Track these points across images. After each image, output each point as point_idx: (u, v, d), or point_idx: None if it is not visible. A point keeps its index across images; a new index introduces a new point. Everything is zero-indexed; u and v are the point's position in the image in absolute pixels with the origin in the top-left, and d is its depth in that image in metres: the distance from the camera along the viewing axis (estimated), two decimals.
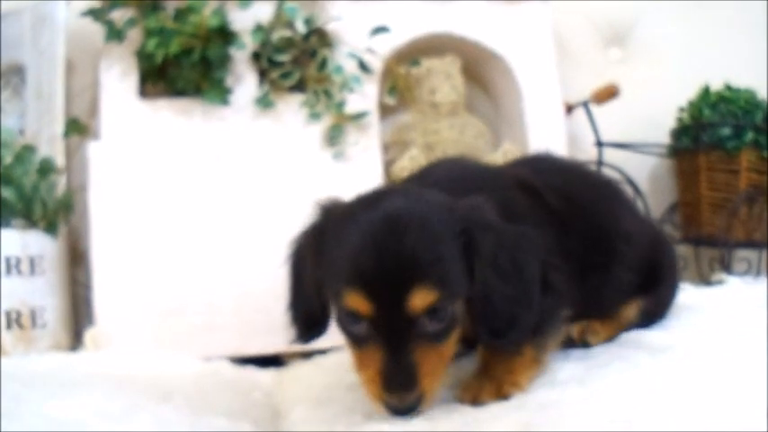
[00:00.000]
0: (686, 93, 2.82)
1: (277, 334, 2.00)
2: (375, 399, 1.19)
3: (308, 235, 1.35)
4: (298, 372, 1.91)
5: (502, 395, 1.31)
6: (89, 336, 2.05)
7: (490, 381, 1.35)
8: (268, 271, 2.01)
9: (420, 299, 1.17)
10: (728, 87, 2.74)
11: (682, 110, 2.83)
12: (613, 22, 3.10)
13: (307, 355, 2.05)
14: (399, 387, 1.17)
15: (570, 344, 1.66)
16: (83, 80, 2.57)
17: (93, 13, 2.25)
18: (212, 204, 2.12)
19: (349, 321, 1.22)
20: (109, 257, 2.06)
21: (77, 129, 2.29)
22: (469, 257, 1.25)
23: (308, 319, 1.38)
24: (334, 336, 2.01)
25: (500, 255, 1.28)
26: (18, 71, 2.57)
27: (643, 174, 2.99)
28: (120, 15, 2.25)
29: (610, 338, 1.66)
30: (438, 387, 1.23)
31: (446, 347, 1.26)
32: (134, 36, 2.26)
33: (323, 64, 2.23)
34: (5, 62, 2.57)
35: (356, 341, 1.23)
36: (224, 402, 1.57)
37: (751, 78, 2.80)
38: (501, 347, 1.35)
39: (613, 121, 2.90)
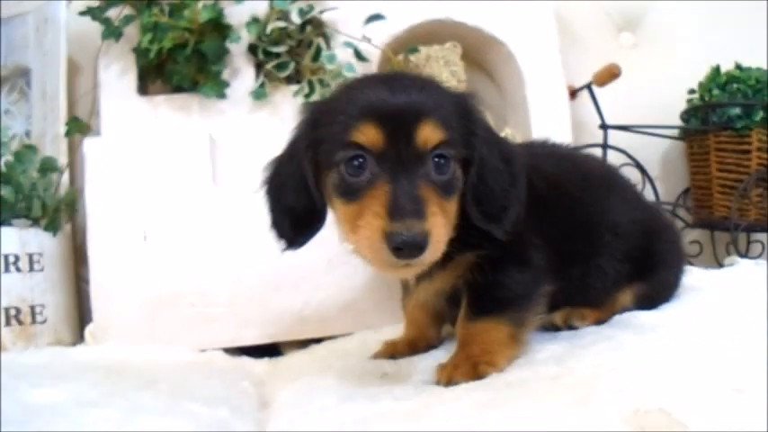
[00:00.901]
0: (698, 76, 2.76)
1: (272, 324, 2.04)
2: (377, 241, 1.16)
3: (298, 127, 1.39)
4: (290, 361, 1.92)
5: (477, 375, 1.31)
6: (88, 331, 2.06)
7: (466, 360, 1.35)
8: (262, 262, 2.04)
9: (428, 131, 1.23)
10: (739, 67, 2.66)
11: (692, 91, 2.76)
12: (625, 6, 3.04)
13: (303, 344, 2.06)
14: (407, 213, 1.16)
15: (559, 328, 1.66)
16: (89, 82, 2.59)
17: (91, 12, 2.27)
18: (208, 197, 2.12)
19: (352, 169, 1.23)
20: (105, 252, 2.07)
21: (79, 128, 2.31)
22: (466, 131, 1.31)
23: (297, 222, 1.39)
24: (328, 324, 2.06)
25: (492, 141, 1.38)
26: (24, 73, 2.62)
27: (656, 157, 2.94)
28: (117, 13, 2.27)
29: (600, 321, 1.65)
30: (443, 242, 1.21)
31: (449, 206, 1.27)
32: (132, 34, 2.28)
33: (317, 54, 2.23)
34: (11, 64, 2.61)
35: (356, 191, 1.23)
36: (207, 390, 1.56)
37: (763, 61, 2.72)
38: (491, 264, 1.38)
39: (626, 104, 2.85)
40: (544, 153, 1.70)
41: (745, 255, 2.68)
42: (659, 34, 3.03)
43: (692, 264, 2.68)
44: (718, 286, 1.96)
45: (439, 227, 1.19)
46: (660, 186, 2.87)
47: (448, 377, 1.31)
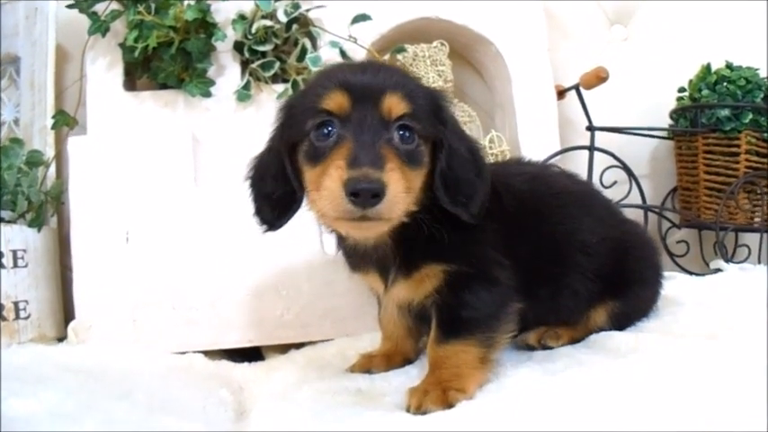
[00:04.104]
0: (690, 72, 2.75)
1: (252, 328, 2.05)
2: (336, 190, 1.21)
3: (280, 109, 1.47)
4: (269, 367, 1.93)
5: (447, 403, 1.31)
6: (71, 328, 2.08)
7: (436, 385, 1.36)
8: (244, 267, 2.05)
9: (393, 101, 1.31)
10: (729, 66, 2.64)
11: (682, 89, 2.74)
12: (617, 2, 3.02)
13: (284, 348, 2.07)
14: (365, 163, 1.22)
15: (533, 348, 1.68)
16: (78, 69, 2.54)
17: (78, 5, 2.25)
18: (190, 199, 2.12)
19: (321, 135, 1.31)
20: (88, 252, 2.08)
21: (65, 121, 2.30)
22: (435, 119, 1.40)
23: (276, 206, 1.45)
24: (308, 330, 2.07)
25: (460, 134, 1.47)
26: (14, 61, 2.60)
27: (645, 156, 2.93)
28: (104, 8, 2.25)
29: (575, 341, 1.67)
30: (400, 199, 1.26)
31: (412, 175, 1.32)
32: (119, 28, 2.26)
33: (302, 54, 2.21)
34: (3, 52, 2.59)
35: (322, 154, 1.30)
36: (184, 400, 1.58)
37: (755, 59, 2.70)
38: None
39: (616, 100, 2.84)
40: (515, 172, 1.71)
41: (731, 257, 2.69)
42: (652, 28, 3.01)
43: (678, 264, 2.72)
44: (698, 300, 1.98)
45: (396, 182, 1.24)
46: (648, 184, 2.87)
47: (417, 404, 1.32)
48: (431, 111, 1.39)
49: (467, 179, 1.42)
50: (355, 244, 1.50)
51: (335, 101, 1.30)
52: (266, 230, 1.48)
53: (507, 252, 1.48)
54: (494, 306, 1.44)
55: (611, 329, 1.68)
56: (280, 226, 1.47)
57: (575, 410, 1.15)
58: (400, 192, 1.25)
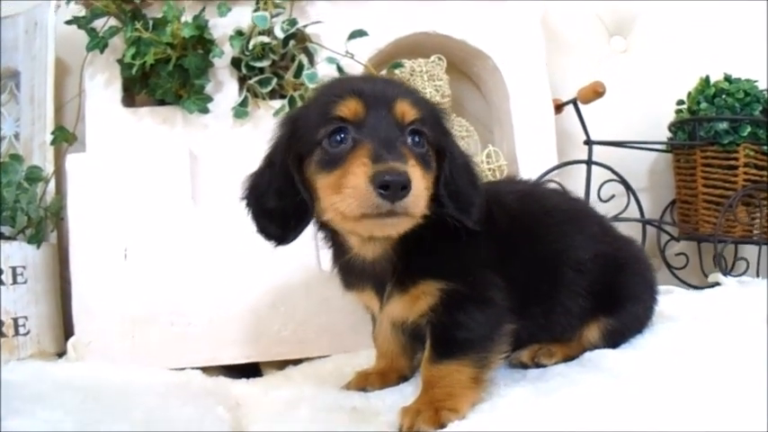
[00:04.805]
0: (689, 84, 2.75)
1: (250, 345, 2.06)
2: (363, 185, 1.22)
3: (277, 134, 1.48)
4: (266, 384, 1.93)
5: (440, 423, 1.32)
6: (71, 344, 2.09)
7: (429, 405, 1.37)
8: (242, 284, 2.06)
9: (405, 107, 1.35)
10: (728, 78, 2.64)
11: (681, 102, 2.74)
12: (617, 10, 3.02)
13: (282, 364, 2.08)
14: (390, 158, 1.25)
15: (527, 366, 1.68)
16: (78, 83, 2.56)
17: (77, 21, 2.26)
18: (188, 216, 2.13)
19: (334, 142, 1.33)
20: (87, 269, 2.09)
21: (65, 137, 2.32)
22: (439, 129, 1.45)
23: (285, 221, 1.44)
24: (305, 346, 2.08)
25: (457, 146, 1.52)
26: (14, 75, 2.62)
27: (644, 168, 2.94)
28: (102, 24, 2.27)
29: (569, 358, 1.66)
30: (422, 197, 1.28)
31: (426, 177, 1.34)
32: (118, 44, 2.28)
33: (299, 70, 2.22)
34: (3, 66, 2.60)
35: (339, 159, 1.31)
36: (183, 418, 1.58)
37: (755, 71, 2.71)
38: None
39: (615, 112, 2.85)
40: (507, 190, 1.72)
41: (731, 270, 2.69)
42: (651, 39, 3.02)
43: (677, 277, 2.72)
44: (695, 315, 1.98)
45: (418, 178, 1.27)
46: (647, 197, 2.87)
47: (410, 424, 1.32)
48: (436, 121, 1.44)
49: (466, 189, 1.45)
50: (354, 258, 1.51)
51: (350, 107, 1.32)
52: (277, 245, 1.47)
53: (501, 270, 1.48)
54: (488, 327, 1.45)
55: (604, 346, 1.67)
56: (293, 239, 1.46)
57: (563, 429, 1.16)
58: (422, 187, 1.28)
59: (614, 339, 1.69)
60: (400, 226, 1.32)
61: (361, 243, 1.47)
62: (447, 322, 1.43)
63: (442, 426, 1.30)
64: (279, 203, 1.42)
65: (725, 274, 2.56)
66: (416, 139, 1.37)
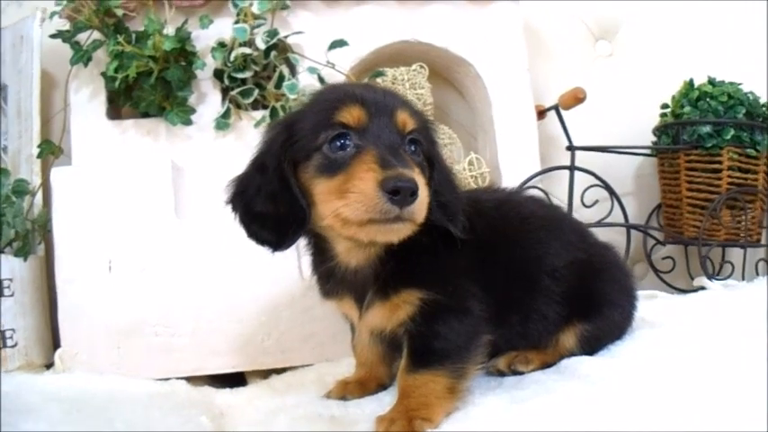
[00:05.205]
0: (675, 88, 2.75)
1: (234, 355, 2.08)
2: (372, 190, 1.24)
3: (268, 139, 1.47)
4: (250, 393, 1.95)
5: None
6: (58, 355, 2.10)
7: (403, 414, 1.38)
8: (225, 294, 2.08)
9: (405, 116, 1.38)
10: (711, 82, 2.65)
11: (665, 106, 2.75)
12: (602, 15, 3.03)
13: (266, 373, 2.10)
14: (398, 164, 1.27)
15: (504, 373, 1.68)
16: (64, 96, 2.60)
17: (61, 35, 2.28)
18: (171, 228, 2.14)
19: (335, 147, 1.34)
20: (72, 281, 2.11)
21: (51, 149, 2.35)
22: (429, 138, 1.48)
23: (280, 226, 1.42)
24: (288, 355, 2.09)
25: (443, 157, 1.57)
26: (1, 89, 2.63)
27: (629, 173, 2.94)
28: (86, 38, 2.29)
29: (546, 365, 1.67)
30: (425, 204, 1.31)
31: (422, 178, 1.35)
32: (102, 57, 2.29)
33: (280, 80, 2.23)
34: None
35: (341, 164, 1.32)
36: (164, 428, 1.60)
37: (740, 74, 2.71)
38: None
39: (600, 117, 2.87)
40: (484, 198, 1.72)
41: (717, 273, 2.70)
42: (637, 43, 3.02)
43: (663, 281, 2.72)
44: (677, 320, 1.98)
45: (423, 186, 1.29)
46: (633, 202, 2.88)
47: None
48: (427, 131, 1.47)
49: (451, 198, 1.47)
50: (337, 266, 1.51)
51: (353, 114, 1.33)
52: (273, 251, 1.46)
53: (479, 279, 1.50)
54: (465, 337, 1.46)
55: (582, 353, 1.67)
56: (290, 245, 1.44)
57: None
58: (426, 195, 1.30)
59: (591, 345, 1.69)
60: (403, 232, 1.33)
61: (348, 250, 1.47)
62: (425, 332, 1.44)
63: None
64: (272, 208, 1.40)
65: (711, 277, 2.56)
66: (414, 148, 1.39)
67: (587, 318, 1.68)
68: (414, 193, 1.24)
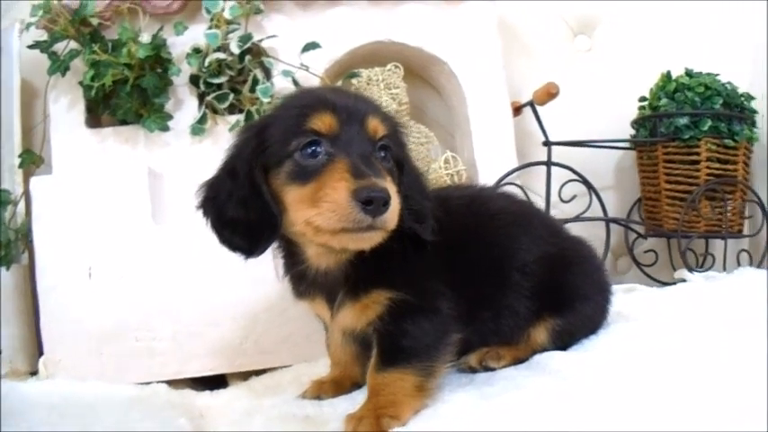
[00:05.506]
0: (653, 82, 2.76)
1: (213, 357, 2.10)
2: (345, 200, 1.24)
3: (239, 143, 1.46)
4: (229, 395, 1.97)
5: (380, 429, 1.35)
6: (42, 362, 2.13)
7: (372, 412, 1.39)
8: (203, 298, 2.10)
9: (376, 123, 1.38)
10: (689, 73, 2.65)
11: (643, 99, 2.76)
12: (581, 10, 3.03)
13: (246, 375, 2.12)
14: (370, 174, 1.28)
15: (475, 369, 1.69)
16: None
17: (39, 45, 2.30)
18: (149, 234, 2.17)
19: (307, 155, 1.33)
20: (53, 288, 2.13)
21: (32, 159, 2.37)
22: (398, 142, 1.48)
23: (252, 233, 1.42)
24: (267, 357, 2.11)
25: (412, 160, 1.57)
26: None
27: (609, 167, 2.95)
28: (64, 47, 2.31)
29: (519, 361, 1.67)
30: (396, 212, 1.31)
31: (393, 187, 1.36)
32: (80, 66, 2.31)
33: (254, 84, 2.25)
34: None
35: (313, 172, 1.32)
36: (142, 430, 1.62)
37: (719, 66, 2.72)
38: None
39: (580, 112, 2.89)
40: (454, 195, 1.73)
41: (701, 265, 2.70)
42: (616, 37, 3.03)
43: (646, 274, 2.73)
44: (653, 314, 1.98)
45: (395, 194, 1.30)
46: (614, 196, 2.89)
47: (352, 431, 1.36)
48: (397, 135, 1.47)
49: (420, 201, 1.47)
50: (308, 268, 1.52)
51: (324, 121, 1.33)
52: (246, 258, 1.46)
53: (449, 277, 1.51)
54: (434, 336, 1.47)
55: (554, 348, 1.67)
56: (262, 251, 1.45)
57: None
58: (397, 203, 1.31)
59: (563, 340, 1.69)
60: (375, 239, 1.33)
61: (318, 254, 1.48)
62: (393, 331, 1.45)
63: None
64: (243, 214, 1.40)
65: (692, 270, 2.57)
66: (384, 154, 1.39)
67: (559, 312, 1.68)
68: (386, 203, 1.25)
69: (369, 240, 1.33)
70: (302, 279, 1.57)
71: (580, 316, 1.73)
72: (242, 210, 1.40)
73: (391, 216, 1.28)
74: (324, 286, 1.54)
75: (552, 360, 1.60)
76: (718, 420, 1.07)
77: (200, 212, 1.48)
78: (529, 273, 1.65)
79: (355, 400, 1.64)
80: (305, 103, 1.40)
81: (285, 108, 1.45)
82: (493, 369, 1.66)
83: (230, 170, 1.44)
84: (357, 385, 1.75)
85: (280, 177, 1.36)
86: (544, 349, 1.68)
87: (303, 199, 1.31)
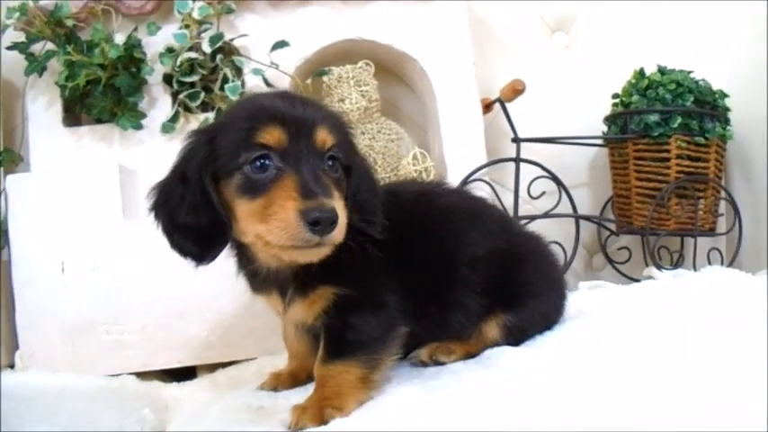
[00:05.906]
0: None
1: (180, 350, 2.14)
2: (293, 220, 1.27)
3: (189, 149, 1.47)
4: (194, 386, 2.02)
5: (322, 420, 1.38)
6: (18, 356, 2.18)
7: (316, 403, 1.44)
8: (170, 292, 2.15)
9: (324, 134, 1.39)
10: (661, 70, 2.66)
11: (616, 95, 2.77)
12: (558, 6, 3.04)
13: (214, 367, 2.16)
14: (318, 193, 1.30)
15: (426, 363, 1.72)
16: None
17: (17, 47, 2.36)
18: (119, 230, 2.22)
19: (256, 168, 1.35)
20: (28, 283, 2.19)
21: (11, 158, 2.42)
22: (347, 144, 1.50)
23: (202, 239, 1.44)
24: (232, 350, 2.15)
25: (361, 157, 1.59)
26: None
27: (583, 165, 2.96)
28: (41, 48, 2.36)
29: (470, 355, 1.70)
30: (344, 226, 1.34)
31: (342, 200, 1.39)
32: (57, 67, 2.36)
33: (224, 83, 2.29)
34: None
35: (262, 187, 1.34)
36: (105, 420, 1.67)
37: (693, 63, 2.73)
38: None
39: (555, 108, 2.91)
40: (404, 190, 1.76)
41: (676, 264, 2.71)
42: (593, 34, 3.03)
43: (619, 271, 2.74)
44: (611, 311, 1.99)
45: (342, 209, 1.33)
46: (587, 193, 2.91)
47: (295, 421, 1.39)
48: (344, 136, 1.49)
49: (369, 199, 1.51)
50: (259, 267, 1.55)
51: (274, 136, 1.34)
52: (196, 265, 1.48)
53: (397, 271, 1.53)
54: (379, 329, 1.50)
55: (506, 343, 1.69)
56: (212, 259, 1.47)
57: (441, 426, 1.21)
58: (345, 218, 1.33)
59: (515, 336, 1.71)
60: (323, 253, 1.36)
61: (269, 257, 1.49)
62: (339, 325, 1.48)
63: (325, 422, 1.36)
64: (194, 220, 1.41)
65: (659, 267, 2.57)
66: (331, 164, 1.41)
67: (510, 308, 1.70)
68: (333, 223, 1.28)
69: (317, 254, 1.36)
70: (255, 276, 1.60)
71: (532, 312, 1.74)
72: (193, 216, 1.41)
73: (338, 233, 1.31)
74: (276, 282, 1.57)
75: (501, 355, 1.62)
76: (661, 417, 1.08)
77: (152, 216, 1.48)
78: (478, 268, 1.67)
79: (309, 392, 1.68)
80: (253, 114, 1.40)
81: (234, 118, 1.44)
82: (443, 363, 1.68)
83: (181, 175, 1.44)
84: (313, 378, 1.78)
85: (230, 188, 1.38)
86: (496, 345, 1.69)
87: (253, 213, 1.33)
